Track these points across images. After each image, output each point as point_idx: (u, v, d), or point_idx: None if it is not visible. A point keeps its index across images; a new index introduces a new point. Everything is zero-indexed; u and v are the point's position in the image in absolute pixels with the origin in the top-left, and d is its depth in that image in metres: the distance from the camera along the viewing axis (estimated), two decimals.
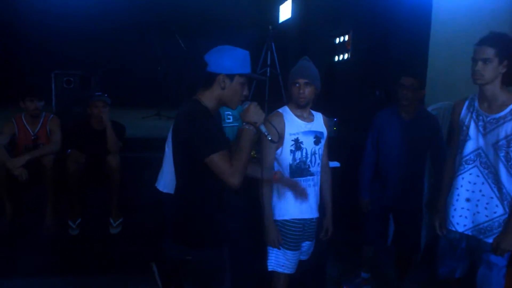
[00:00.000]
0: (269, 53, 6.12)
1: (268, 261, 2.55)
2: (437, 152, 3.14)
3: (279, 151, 2.50)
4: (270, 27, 6.63)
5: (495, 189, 2.29)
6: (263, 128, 2.04)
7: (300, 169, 2.51)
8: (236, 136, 3.42)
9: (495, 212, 2.29)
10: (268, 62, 6.13)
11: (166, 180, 3.00)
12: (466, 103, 2.42)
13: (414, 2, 4.73)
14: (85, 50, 7.14)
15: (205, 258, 2.08)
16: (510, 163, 2.22)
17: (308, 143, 2.52)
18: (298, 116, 2.53)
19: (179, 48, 6.55)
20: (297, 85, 2.47)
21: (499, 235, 2.27)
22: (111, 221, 3.90)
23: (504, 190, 2.26)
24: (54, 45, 6.97)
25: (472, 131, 2.34)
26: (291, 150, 2.49)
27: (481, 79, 2.22)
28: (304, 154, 2.51)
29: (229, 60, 1.97)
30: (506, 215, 2.26)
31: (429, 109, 4.01)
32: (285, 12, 8.90)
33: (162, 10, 7.53)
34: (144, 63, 7.10)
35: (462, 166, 2.39)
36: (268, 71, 6.11)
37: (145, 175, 3.53)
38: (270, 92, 6.15)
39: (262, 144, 2.46)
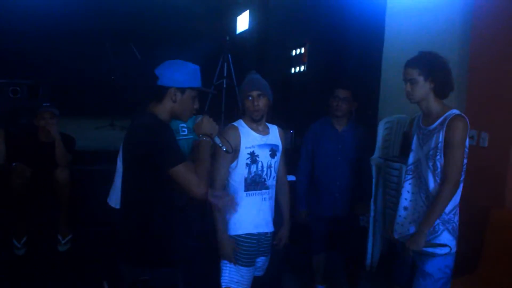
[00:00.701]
0: (225, 64, 6.09)
1: (222, 277, 2.49)
2: (363, 160, 3.34)
3: (234, 164, 2.47)
4: (227, 38, 6.62)
5: (424, 199, 2.38)
6: (217, 140, 2.11)
7: (255, 183, 2.49)
8: (192, 149, 3.38)
9: (440, 245, 2.35)
10: (225, 74, 6.10)
11: (118, 196, 2.89)
12: (416, 119, 2.53)
13: (368, 18, 4.85)
14: (34, 58, 6.85)
15: (159, 277, 2.03)
16: (437, 172, 2.31)
17: (263, 156, 2.51)
18: (253, 129, 2.52)
19: (134, 57, 6.41)
20: (250, 98, 2.47)
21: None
22: (60, 238, 3.71)
23: (431, 199, 2.33)
24: (1, 53, 6.65)
25: (414, 143, 2.46)
26: (246, 164, 2.47)
27: (412, 98, 2.35)
28: (259, 167, 2.49)
29: (180, 74, 2.02)
30: (435, 223, 2.33)
31: (382, 122, 4.10)
32: (242, 23, 8.93)
33: (117, 18, 7.35)
34: (97, 72, 6.89)
35: (404, 176, 2.53)
36: (225, 82, 6.08)
37: (98, 189, 3.39)
38: (227, 104, 6.11)
39: (216, 156, 2.42)
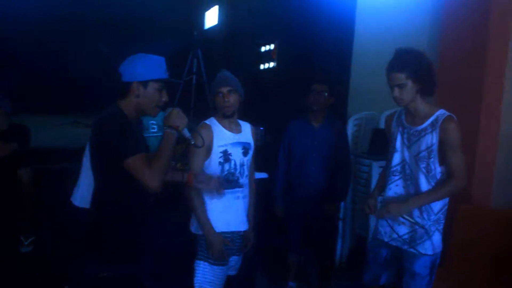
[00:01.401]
0: (195, 60, 6.00)
1: (195, 278, 2.44)
2: (342, 157, 3.30)
3: (207, 162, 2.43)
4: (194, 33, 6.52)
5: None
6: (186, 133, 2.05)
7: (228, 181, 2.45)
8: None
9: (416, 223, 2.33)
10: (194, 70, 6.00)
11: (83, 194, 2.80)
12: (395, 117, 2.49)
13: (338, 15, 4.87)
14: None
15: (121, 273, 1.97)
16: (430, 174, 2.28)
17: (236, 154, 2.48)
18: (226, 128, 2.48)
19: (99, 53, 6.24)
20: (220, 94, 2.44)
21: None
22: (22, 239, 3.57)
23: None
24: None
25: (398, 143, 2.40)
26: (219, 162, 2.44)
27: (402, 102, 2.28)
28: (233, 165, 2.46)
29: (141, 67, 1.97)
30: (427, 224, 2.32)
31: (352, 118, 4.13)
32: (211, 18, 8.84)
33: (82, 13, 7.14)
34: (61, 67, 6.67)
35: (389, 178, 2.45)
36: (194, 78, 5.99)
37: (62, 188, 3.27)
38: (197, 100, 6.02)
39: (189, 152, 2.39)
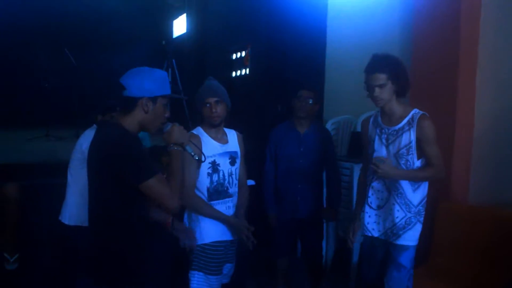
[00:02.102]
0: (170, 70, 5.95)
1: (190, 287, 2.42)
2: (330, 163, 3.36)
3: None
4: (163, 42, 6.47)
5: (395, 196, 2.48)
6: (189, 149, 2.03)
7: (217, 192, 2.47)
8: None
9: (396, 217, 2.48)
10: (169, 79, 5.95)
11: (72, 212, 2.74)
12: (371, 120, 2.61)
13: (309, 20, 4.93)
14: None
15: None
16: (409, 169, 2.43)
17: (224, 164, 2.49)
18: (213, 138, 2.49)
19: (69, 62, 6.09)
20: (208, 105, 2.44)
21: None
22: (7, 256, 3.45)
23: (404, 196, 2.46)
24: None
25: (376, 144, 2.53)
26: (208, 173, 2.44)
27: (382, 102, 2.42)
28: (221, 176, 2.47)
29: (150, 82, 1.89)
30: (406, 216, 2.46)
31: (330, 123, 4.20)
32: (179, 27, 8.79)
33: (49, 22, 6.95)
34: (28, 78, 6.45)
35: (370, 177, 2.57)
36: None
37: (32, 205, 3.18)
38: (172, 110, 5.95)
39: (183, 163, 2.34)
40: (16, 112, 6.60)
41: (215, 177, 2.44)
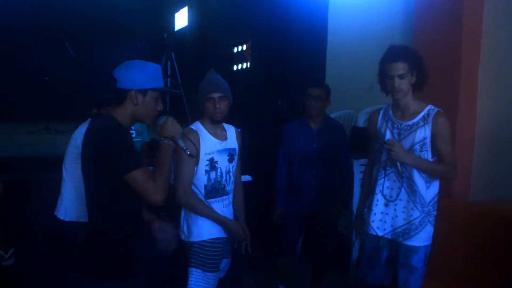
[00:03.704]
0: (169, 63, 5.92)
1: (189, 285, 2.40)
2: (343, 158, 3.27)
3: (194, 171, 2.38)
4: (165, 35, 6.43)
5: (410, 193, 2.39)
6: (181, 143, 2.00)
7: (215, 189, 2.42)
8: (140, 152, 3.24)
9: (411, 215, 2.38)
10: (169, 72, 5.92)
11: (67, 207, 2.72)
12: (381, 113, 2.52)
13: (311, 14, 4.89)
14: None
15: None
16: (423, 158, 2.34)
17: (222, 162, 2.44)
18: (212, 134, 2.43)
19: (69, 55, 6.06)
20: (211, 100, 2.37)
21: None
22: (1, 253, 3.44)
23: (418, 193, 2.37)
24: None
25: (387, 138, 2.42)
26: (206, 171, 2.38)
27: (401, 93, 2.32)
28: (219, 173, 2.42)
29: (140, 75, 1.90)
30: (421, 216, 2.37)
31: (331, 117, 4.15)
32: (181, 19, 8.75)
33: (49, 15, 6.91)
34: (29, 72, 6.43)
35: (380, 172, 2.48)
36: (169, 81, 5.91)
37: (34, 199, 3.16)
38: (172, 104, 5.94)
39: (180, 159, 2.31)
40: (16, 105, 6.59)
41: (212, 175, 2.39)
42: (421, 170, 2.34)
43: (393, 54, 2.28)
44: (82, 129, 2.82)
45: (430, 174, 2.36)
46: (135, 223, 1.97)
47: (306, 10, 5.01)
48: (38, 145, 5.34)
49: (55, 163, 2.91)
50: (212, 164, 2.39)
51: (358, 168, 3.55)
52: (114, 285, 1.90)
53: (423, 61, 2.31)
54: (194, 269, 2.38)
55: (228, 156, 2.46)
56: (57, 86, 6.21)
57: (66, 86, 6.31)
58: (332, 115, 4.19)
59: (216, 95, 2.35)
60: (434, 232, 3.08)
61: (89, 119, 2.94)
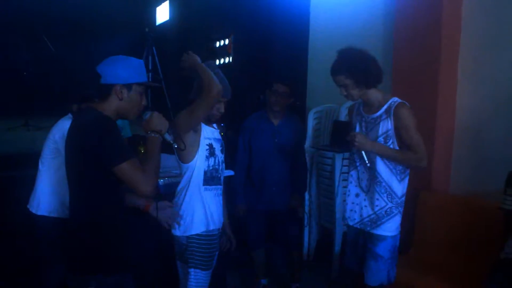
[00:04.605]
0: (150, 57, 5.86)
1: (189, 285, 2.36)
2: (297, 150, 3.35)
3: (196, 157, 2.31)
4: (146, 29, 6.36)
5: (375, 184, 2.46)
6: (167, 137, 2.02)
7: (212, 177, 2.38)
8: None
9: (377, 205, 2.46)
10: (150, 67, 5.87)
11: (40, 201, 2.68)
12: (355, 107, 2.60)
13: (293, 9, 4.89)
14: None
15: (108, 286, 1.90)
16: (387, 146, 2.40)
17: (218, 150, 2.43)
18: (206, 124, 2.41)
19: (48, 51, 5.95)
20: (220, 103, 2.36)
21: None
22: None
23: (383, 184, 2.43)
24: None
25: (357, 131, 2.50)
26: (206, 156, 2.35)
27: (352, 98, 2.42)
28: (216, 161, 2.40)
29: (125, 70, 1.90)
30: (388, 206, 2.43)
31: (312, 112, 4.17)
32: (162, 14, 8.66)
33: (28, 9, 6.76)
34: (6, 67, 6.30)
35: (351, 164, 2.59)
36: (151, 76, 5.85)
37: (12, 196, 3.11)
38: (153, 98, 5.89)
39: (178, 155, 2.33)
40: None
41: (211, 161, 2.36)
42: (386, 158, 2.40)
43: (332, 69, 2.39)
44: (61, 124, 2.79)
45: (397, 162, 2.40)
46: (124, 217, 1.97)
47: (288, 5, 5.01)
48: (16, 141, 5.25)
49: (34, 160, 2.87)
50: (211, 150, 2.36)
51: (340, 161, 3.57)
52: (103, 280, 1.89)
53: (363, 63, 2.33)
54: (192, 269, 2.35)
55: (220, 146, 2.45)
56: (37, 82, 6.10)
57: (46, 82, 6.20)
58: (314, 109, 4.21)
59: (224, 99, 2.35)
60: (414, 223, 3.19)
61: (70, 114, 2.93)
